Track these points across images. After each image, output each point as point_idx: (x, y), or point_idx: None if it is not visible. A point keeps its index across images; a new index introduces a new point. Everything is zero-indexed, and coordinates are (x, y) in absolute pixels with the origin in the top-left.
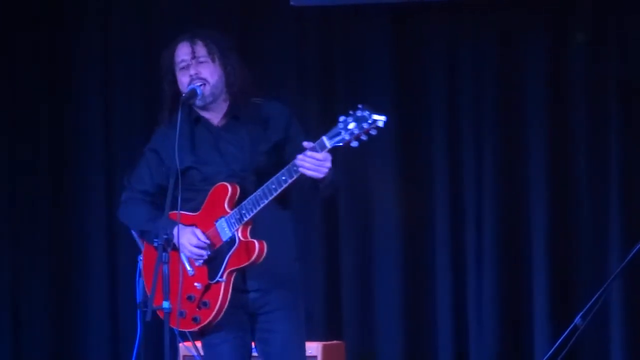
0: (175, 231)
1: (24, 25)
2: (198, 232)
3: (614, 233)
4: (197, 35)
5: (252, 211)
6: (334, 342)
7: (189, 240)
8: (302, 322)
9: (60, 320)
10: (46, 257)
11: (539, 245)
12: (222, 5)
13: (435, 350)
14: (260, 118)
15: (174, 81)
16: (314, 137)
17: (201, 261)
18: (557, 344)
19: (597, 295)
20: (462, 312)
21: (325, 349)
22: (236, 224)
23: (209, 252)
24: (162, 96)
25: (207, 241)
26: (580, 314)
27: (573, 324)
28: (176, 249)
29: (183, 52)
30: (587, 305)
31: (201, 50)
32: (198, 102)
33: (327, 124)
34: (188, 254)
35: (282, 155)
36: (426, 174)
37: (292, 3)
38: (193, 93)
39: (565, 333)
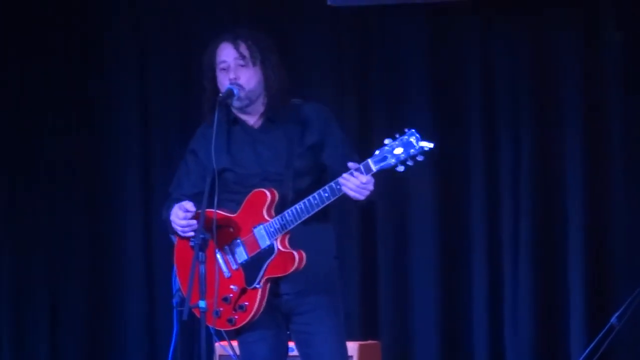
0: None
1: (55, 19)
2: (186, 204)
3: None
4: (240, 36)
5: (294, 223)
6: (370, 341)
7: (176, 214)
8: (341, 323)
9: (97, 319)
10: (84, 253)
11: (575, 239)
12: (258, 4)
13: (471, 349)
14: (298, 120)
15: (214, 79)
16: (349, 134)
17: (191, 235)
18: (593, 343)
19: (633, 296)
20: (498, 312)
21: (361, 349)
22: (276, 233)
23: (200, 226)
24: (203, 94)
25: (194, 209)
26: (617, 314)
27: (609, 324)
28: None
29: (225, 53)
30: (624, 306)
31: (243, 52)
32: (235, 103)
33: (363, 125)
34: (179, 229)
35: (319, 157)
36: (463, 171)
37: (329, 2)
38: (230, 93)
39: (602, 333)
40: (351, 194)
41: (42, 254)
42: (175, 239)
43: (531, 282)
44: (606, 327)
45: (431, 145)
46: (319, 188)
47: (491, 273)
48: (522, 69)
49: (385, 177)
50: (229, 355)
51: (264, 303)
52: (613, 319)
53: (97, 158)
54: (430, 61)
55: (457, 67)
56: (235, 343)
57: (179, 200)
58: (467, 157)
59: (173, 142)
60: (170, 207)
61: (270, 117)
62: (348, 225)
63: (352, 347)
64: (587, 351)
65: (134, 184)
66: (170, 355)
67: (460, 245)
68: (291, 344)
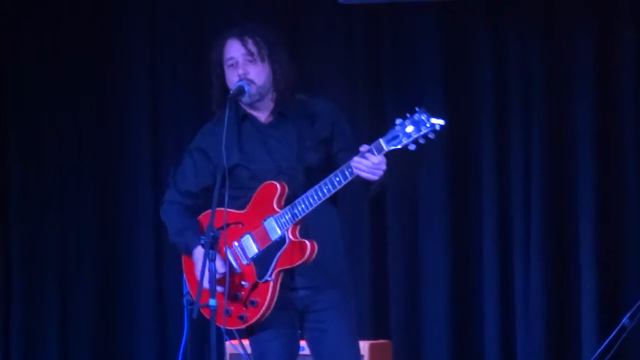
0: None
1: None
2: (218, 264)
3: None
4: (247, 32)
5: (305, 211)
6: (381, 341)
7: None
8: (353, 320)
9: (107, 316)
10: (94, 250)
11: (587, 240)
12: (270, 3)
13: (482, 350)
14: (307, 114)
15: (223, 76)
16: (362, 131)
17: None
18: (604, 344)
19: None
20: (509, 313)
21: (372, 348)
22: (287, 224)
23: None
24: (212, 90)
25: (224, 270)
26: (628, 314)
27: (621, 324)
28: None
29: (232, 49)
30: (635, 306)
31: (250, 48)
32: (245, 100)
33: (375, 119)
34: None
35: (329, 151)
36: (474, 169)
37: (340, 1)
38: (241, 90)
39: (613, 333)
40: (364, 175)
41: (52, 247)
42: None
43: (543, 280)
44: (617, 328)
45: (442, 122)
46: None
47: (503, 271)
48: (534, 57)
49: (394, 168)
50: (240, 354)
51: (275, 297)
52: (625, 320)
53: (108, 155)
54: (442, 51)
55: (468, 57)
56: (246, 342)
57: (181, 203)
58: (478, 148)
59: (184, 140)
60: (177, 224)
61: (281, 112)
62: (358, 222)
63: (363, 346)
64: (598, 351)
65: (144, 176)
66: (180, 354)
67: (472, 243)
68: (302, 343)
